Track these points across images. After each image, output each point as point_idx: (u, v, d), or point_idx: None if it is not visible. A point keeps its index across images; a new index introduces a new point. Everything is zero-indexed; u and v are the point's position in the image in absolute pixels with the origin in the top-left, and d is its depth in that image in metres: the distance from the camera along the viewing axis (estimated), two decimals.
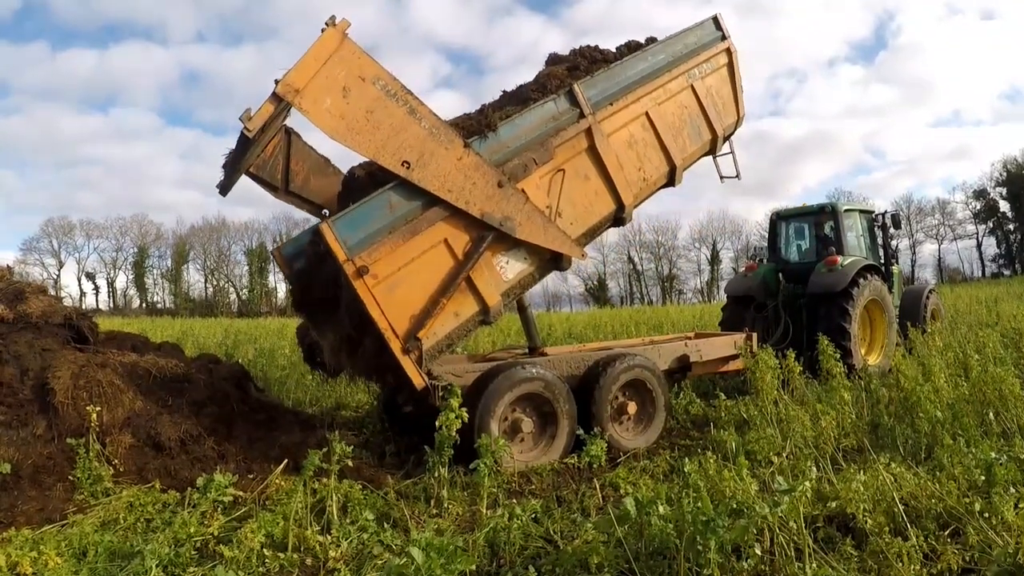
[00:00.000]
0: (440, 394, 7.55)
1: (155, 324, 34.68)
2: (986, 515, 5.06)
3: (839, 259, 13.60)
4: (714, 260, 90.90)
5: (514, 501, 6.57)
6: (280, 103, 6.99)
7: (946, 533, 5.15)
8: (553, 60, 10.52)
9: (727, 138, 11.54)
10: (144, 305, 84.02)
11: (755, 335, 11.90)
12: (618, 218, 9.73)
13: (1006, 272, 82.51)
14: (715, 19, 11.13)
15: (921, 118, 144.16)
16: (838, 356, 9.60)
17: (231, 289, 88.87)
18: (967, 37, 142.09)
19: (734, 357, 11.40)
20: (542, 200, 8.72)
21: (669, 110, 10.21)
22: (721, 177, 11.76)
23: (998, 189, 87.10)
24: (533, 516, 6.08)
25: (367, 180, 8.52)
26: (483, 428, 7.83)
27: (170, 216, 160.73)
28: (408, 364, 7.58)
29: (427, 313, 7.76)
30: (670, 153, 10.19)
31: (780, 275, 14.93)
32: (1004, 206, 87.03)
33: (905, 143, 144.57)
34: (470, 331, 8.64)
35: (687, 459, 6.31)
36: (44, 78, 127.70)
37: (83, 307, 41.63)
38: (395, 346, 7.50)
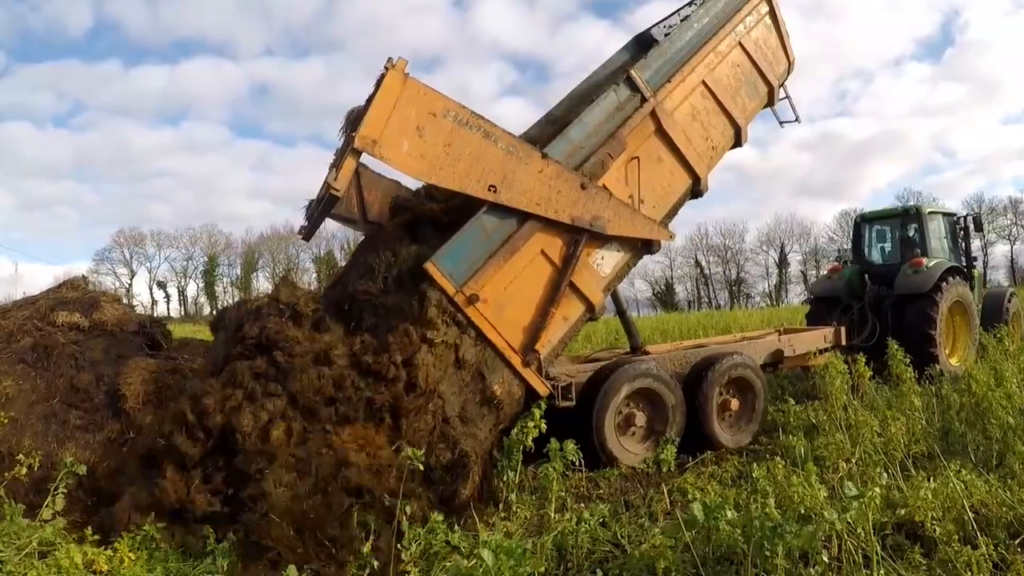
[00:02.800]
0: (563, 393, 8.08)
1: None
2: None
3: (924, 261, 13.75)
4: (782, 263, 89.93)
5: (582, 505, 6.62)
6: (360, 156, 7.09)
7: (1016, 542, 5.10)
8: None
9: (781, 85, 11.32)
10: (214, 312, 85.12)
11: (843, 329, 12.51)
12: (696, 191, 9.78)
13: None
14: None
15: (992, 115, 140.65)
16: (908, 360, 9.53)
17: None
18: None
19: (823, 351, 11.75)
20: (623, 191, 8.77)
21: (723, 73, 10.09)
22: (781, 123, 11.74)
23: None
24: (601, 520, 6.07)
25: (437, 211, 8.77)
26: (600, 422, 8.39)
27: (240, 226, 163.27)
28: (530, 375, 7.76)
29: (539, 324, 7.88)
30: (732, 116, 10.13)
31: (866, 276, 15.09)
32: None
33: (976, 141, 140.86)
34: (578, 331, 8.95)
35: (755, 464, 6.30)
36: (117, 95, 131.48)
37: (155, 315, 42.25)
38: (515, 361, 7.67)
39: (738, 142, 10.40)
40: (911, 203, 15.79)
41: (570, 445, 6.90)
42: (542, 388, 7.86)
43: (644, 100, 8.89)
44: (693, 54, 9.59)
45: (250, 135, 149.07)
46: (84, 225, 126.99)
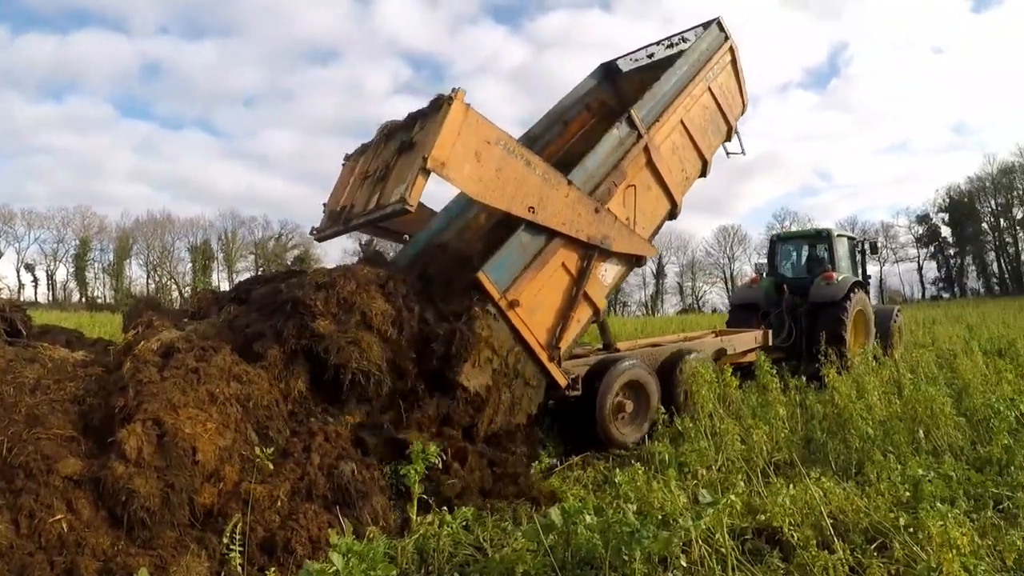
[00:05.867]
0: (573, 384, 9.30)
1: (94, 319, 33.89)
2: (912, 530, 5.09)
3: (835, 275, 15.78)
4: (659, 274, 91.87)
5: (445, 508, 6.52)
6: (429, 175, 7.82)
7: (872, 547, 5.19)
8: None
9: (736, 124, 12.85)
10: (84, 299, 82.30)
11: (769, 332, 14.32)
12: (672, 214, 11.34)
13: (945, 295, 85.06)
14: (719, 23, 12.14)
15: (869, 145, 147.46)
16: (774, 371, 9.96)
17: (174, 286, 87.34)
18: (918, 69, 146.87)
19: (752, 350, 13.34)
20: (622, 213, 10.13)
21: (696, 113, 11.58)
22: (728, 154, 12.96)
23: (940, 215, 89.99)
24: (464, 524, 6.05)
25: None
26: (602, 409, 9.49)
27: (116, 209, 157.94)
28: (554, 369, 8.96)
29: (560, 326, 9.14)
30: (702, 151, 11.68)
31: (784, 286, 16.70)
32: (946, 231, 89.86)
33: (853, 168, 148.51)
34: (586, 331, 10.36)
35: (619, 470, 6.32)
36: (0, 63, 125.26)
37: (21, 299, 40.57)
38: (543, 356, 8.81)
39: (703, 173, 12.00)
40: (822, 226, 18.59)
41: (432, 447, 6.78)
42: (563, 380, 9.07)
43: (640, 136, 10.28)
44: (675, 96, 11.08)
45: (136, 115, 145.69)
46: None
